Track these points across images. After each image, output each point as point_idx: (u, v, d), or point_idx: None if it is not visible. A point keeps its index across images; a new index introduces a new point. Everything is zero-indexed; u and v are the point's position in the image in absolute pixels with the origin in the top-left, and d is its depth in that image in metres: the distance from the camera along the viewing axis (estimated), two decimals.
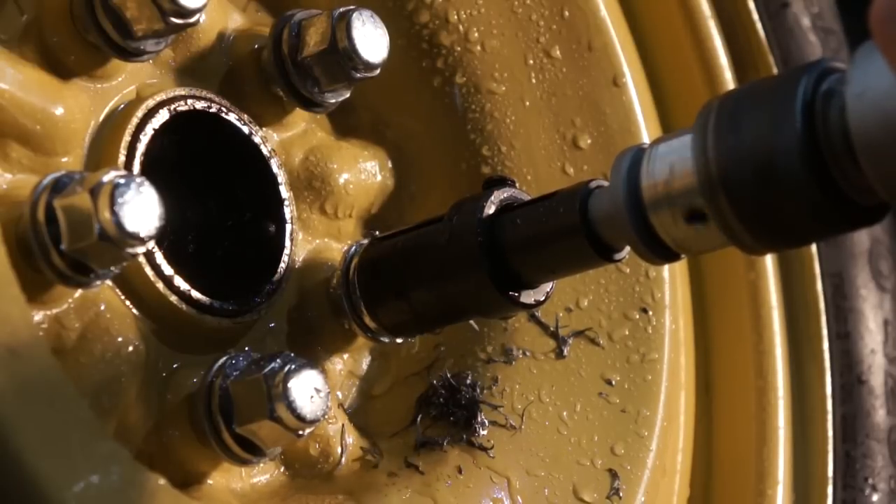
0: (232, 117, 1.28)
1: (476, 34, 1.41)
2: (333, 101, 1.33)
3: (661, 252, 1.08)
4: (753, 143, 0.98)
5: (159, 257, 1.19)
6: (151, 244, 1.09)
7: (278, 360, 1.16)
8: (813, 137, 0.96)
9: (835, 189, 0.97)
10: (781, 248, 1.07)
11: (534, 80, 1.42)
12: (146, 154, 1.20)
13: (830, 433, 1.49)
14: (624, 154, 1.09)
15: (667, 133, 1.17)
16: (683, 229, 1.05)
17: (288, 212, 1.30)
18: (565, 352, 1.37)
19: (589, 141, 1.42)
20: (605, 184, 1.13)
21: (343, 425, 1.28)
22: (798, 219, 0.99)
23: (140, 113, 1.21)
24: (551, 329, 1.38)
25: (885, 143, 0.91)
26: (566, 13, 1.43)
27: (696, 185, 1.02)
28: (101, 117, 1.20)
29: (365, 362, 1.37)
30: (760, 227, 1.00)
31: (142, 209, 1.05)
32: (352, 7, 1.28)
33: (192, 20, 1.17)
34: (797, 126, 0.96)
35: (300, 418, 1.14)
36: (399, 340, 1.35)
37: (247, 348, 1.26)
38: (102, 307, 1.14)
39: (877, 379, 1.51)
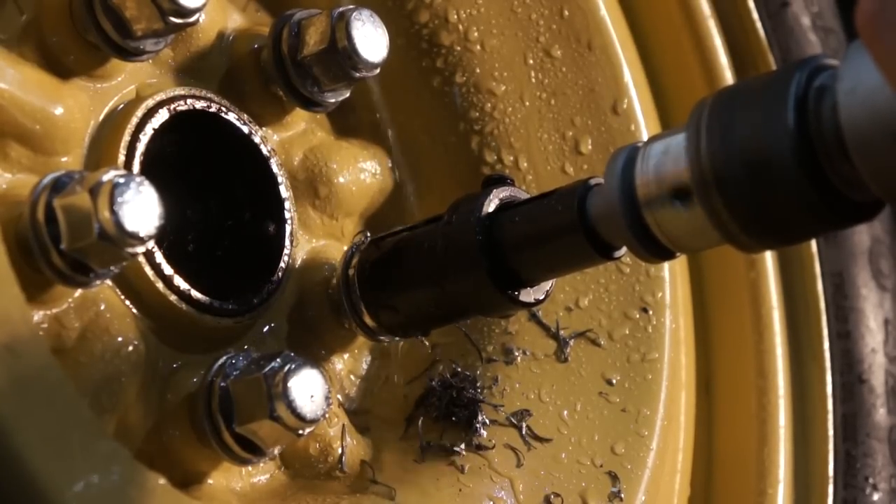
0: (231, 117, 1.28)
1: (476, 34, 1.41)
2: (333, 100, 1.33)
3: (656, 250, 1.08)
4: (746, 140, 0.98)
5: (159, 257, 1.19)
6: (151, 244, 1.10)
7: (278, 360, 1.16)
8: (805, 134, 0.96)
9: (828, 185, 0.97)
10: (776, 246, 1.07)
11: (534, 80, 1.42)
12: (146, 154, 1.20)
13: (831, 432, 1.49)
14: (619, 153, 1.09)
15: None
16: (678, 226, 1.05)
17: (288, 212, 1.30)
18: (567, 354, 1.37)
19: (588, 141, 1.42)
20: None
21: (343, 425, 1.28)
22: (791, 215, 0.98)
23: (140, 112, 1.21)
24: (553, 331, 1.38)
25: (876, 138, 0.91)
26: (566, 13, 1.43)
27: (690, 183, 1.02)
28: (101, 117, 1.21)
29: (365, 362, 1.37)
30: (754, 224, 1.00)
31: (141, 209, 1.05)
32: (351, 6, 1.28)
33: (191, 20, 1.18)
34: (790, 122, 0.96)
35: (300, 418, 1.14)
36: (399, 340, 1.35)
37: (246, 348, 1.26)
38: (102, 307, 1.15)
39: (877, 378, 1.51)
